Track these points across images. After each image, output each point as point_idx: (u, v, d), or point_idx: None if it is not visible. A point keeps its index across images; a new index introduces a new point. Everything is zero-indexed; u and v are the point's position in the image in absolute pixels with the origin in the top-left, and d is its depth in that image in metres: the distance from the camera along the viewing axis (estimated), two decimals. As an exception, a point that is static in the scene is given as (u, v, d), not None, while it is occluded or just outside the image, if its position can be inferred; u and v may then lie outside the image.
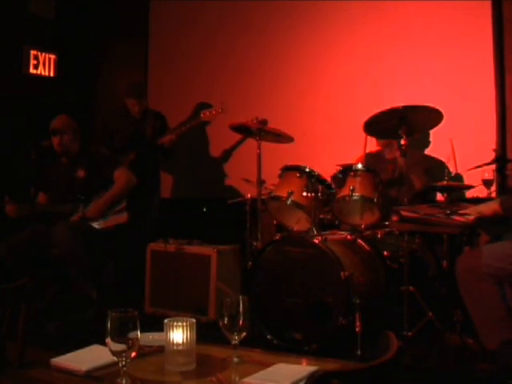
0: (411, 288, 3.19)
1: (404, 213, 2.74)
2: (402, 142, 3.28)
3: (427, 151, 4.19)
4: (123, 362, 1.40)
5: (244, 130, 4.02)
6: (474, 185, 3.48)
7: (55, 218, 3.94)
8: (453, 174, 3.71)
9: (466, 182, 3.82)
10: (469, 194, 3.84)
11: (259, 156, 3.78)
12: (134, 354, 1.42)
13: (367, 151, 4.02)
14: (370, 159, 3.94)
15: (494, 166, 3.68)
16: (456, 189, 3.59)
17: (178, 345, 1.53)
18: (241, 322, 1.58)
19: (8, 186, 4.05)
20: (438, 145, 4.14)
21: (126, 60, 5.80)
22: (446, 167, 3.38)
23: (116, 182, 3.96)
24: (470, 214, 2.59)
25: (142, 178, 4.20)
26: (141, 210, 4.21)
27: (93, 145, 4.45)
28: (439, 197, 3.74)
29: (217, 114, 4.53)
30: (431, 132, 4.12)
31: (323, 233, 3.37)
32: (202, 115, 4.58)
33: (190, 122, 4.71)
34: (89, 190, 3.91)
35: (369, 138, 3.87)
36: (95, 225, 3.85)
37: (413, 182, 3.70)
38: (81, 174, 3.99)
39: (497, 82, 4.05)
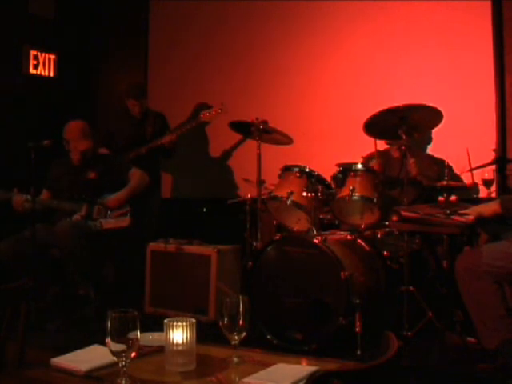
0: (411, 288, 3.19)
1: (404, 213, 2.74)
2: (404, 141, 3.28)
3: (431, 152, 4.19)
4: (123, 362, 1.40)
5: (244, 130, 4.03)
6: (473, 185, 3.48)
7: (56, 217, 3.95)
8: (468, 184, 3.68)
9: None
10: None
11: (259, 156, 3.79)
12: (133, 354, 1.41)
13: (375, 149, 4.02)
14: (382, 156, 3.93)
15: (494, 166, 3.68)
16: (456, 189, 3.59)
17: (177, 345, 1.53)
18: (241, 322, 1.58)
19: (10, 186, 4.04)
20: (440, 145, 4.14)
21: (126, 60, 5.80)
22: (446, 167, 3.37)
23: (131, 179, 4.08)
24: (470, 214, 2.59)
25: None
26: (141, 210, 4.21)
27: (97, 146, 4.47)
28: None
29: (216, 114, 4.53)
30: (433, 132, 4.12)
31: (323, 233, 3.37)
32: (201, 116, 4.58)
33: (190, 123, 4.72)
34: (98, 192, 3.95)
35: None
36: (96, 226, 3.86)
37: (422, 182, 3.69)
38: (92, 175, 4.03)
39: (497, 82, 4.06)
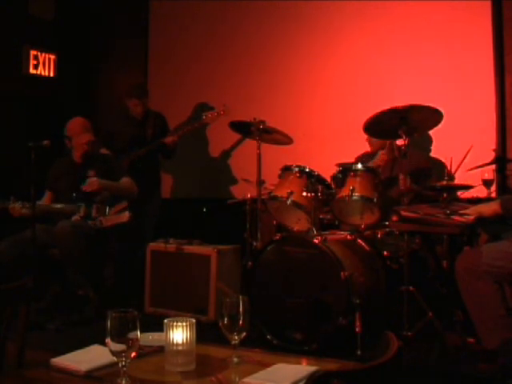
0: (411, 288, 3.19)
1: (404, 213, 2.74)
2: (399, 142, 3.27)
3: (431, 152, 4.19)
4: (123, 362, 1.40)
5: (244, 130, 4.03)
6: (473, 185, 3.47)
7: (56, 218, 3.95)
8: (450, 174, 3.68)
9: (466, 182, 3.80)
10: (468, 193, 3.83)
11: (259, 156, 3.79)
12: (133, 354, 1.41)
13: (361, 152, 4.04)
14: (368, 161, 3.93)
15: (494, 166, 3.68)
16: (456, 189, 3.59)
17: (177, 345, 1.53)
18: (241, 322, 1.58)
19: (10, 186, 4.05)
20: (440, 145, 4.15)
21: (126, 60, 5.80)
22: (446, 167, 3.37)
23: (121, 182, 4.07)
24: (470, 214, 2.59)
25: (142, 178, 4.22)
26: (141, 210, 4.21)
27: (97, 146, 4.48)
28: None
29: (219, 116, 4.53)
30: (433, 132, 4.12)
31: (323, 233, 3.37)
32: (204, 117, 4.58)
33: (192, 124, 4.72)
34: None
35: (365, 139, 3.89)
36: (97, 225, 3.86)
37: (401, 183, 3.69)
38: (91, 174, 4.03)
39: (497, 82, 4.06)
